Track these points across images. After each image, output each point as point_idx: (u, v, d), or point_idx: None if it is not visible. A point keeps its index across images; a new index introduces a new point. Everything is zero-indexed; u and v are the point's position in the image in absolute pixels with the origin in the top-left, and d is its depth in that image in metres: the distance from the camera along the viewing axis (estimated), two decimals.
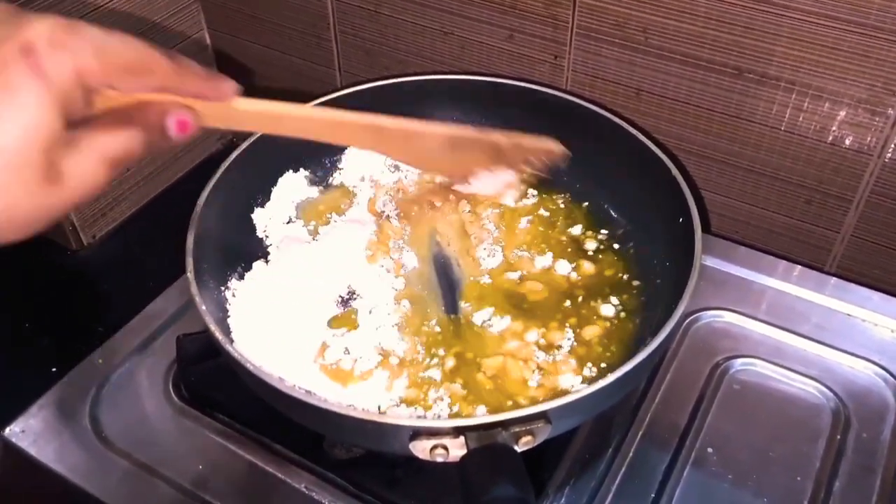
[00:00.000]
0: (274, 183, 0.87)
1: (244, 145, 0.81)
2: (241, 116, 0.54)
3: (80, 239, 1.07)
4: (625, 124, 0.82)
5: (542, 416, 0.59)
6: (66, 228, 1.05)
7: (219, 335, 0.65)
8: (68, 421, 0.75)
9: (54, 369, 0.86)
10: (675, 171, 0.76)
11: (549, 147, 0.72)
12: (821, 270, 0.90)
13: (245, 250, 0.82)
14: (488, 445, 0.56)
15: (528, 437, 0.59)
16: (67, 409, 0.76)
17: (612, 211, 0.86)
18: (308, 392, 0.62)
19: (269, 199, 0.86)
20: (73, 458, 0.73)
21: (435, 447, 0.59)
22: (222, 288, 0.77)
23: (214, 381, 0.75)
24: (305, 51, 1.09)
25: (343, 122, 0.64)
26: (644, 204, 0.81)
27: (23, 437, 0.74)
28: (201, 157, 1.21)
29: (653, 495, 0.70)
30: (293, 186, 0.87)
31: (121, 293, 1.02)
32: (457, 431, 0.58)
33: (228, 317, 0.74)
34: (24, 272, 1.05)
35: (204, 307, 0.67)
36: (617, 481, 0.71)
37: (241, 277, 0.79)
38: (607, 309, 0.77)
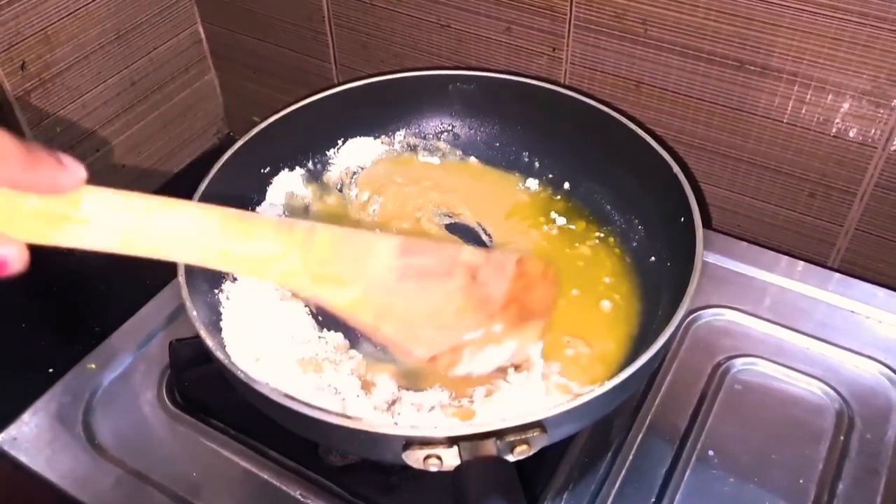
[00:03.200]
0: (269, 182, 0.85)
1: (239, 144, 0.80)
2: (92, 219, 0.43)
3: None
4: (625, 120, 0.80)
5: (538, 425, 0.58)
6: None
7: (210, 342, 0.64)
8: (61, 428, 0.75)
9: (51, 370, 0.86)
10: (676, 169, 0.74)
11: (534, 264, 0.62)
12: (824, 265, 0.89)
13: None
14: (481, 458, 0.55)
15: (524, 447, 0.58)
16: (60, 415, 0.76)
17: (610, 208, 0.84)
18: (300, 402, 0.61)
19: (264, 199, 0.85)
20: (66, 465, 0.72)
21: (428, 457, 0.58)
22: (216, 291, 0.75)
23: (208, 386, 0.74)
24: (300, 44, 1.07)
25: (247, 219, 0.51)
26: (644, 202, 0.80)
27: (15, 445, 0.73)
28: (198, 152, 1.21)
29: (653, 500, 0.69)
30: (289, 185, 0.86)
31: (118, 292, 1.01)
32: (450, 441, 0.57)
33: (221, 320, 0.73)
34: (20, 273, 1.04)
35: (195, 313, 0.66)
36: (617, 485, 0.70)
37: (235, 280, 0.78)
38: (606, 305, 0.77)
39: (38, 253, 1.02)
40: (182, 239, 0.46)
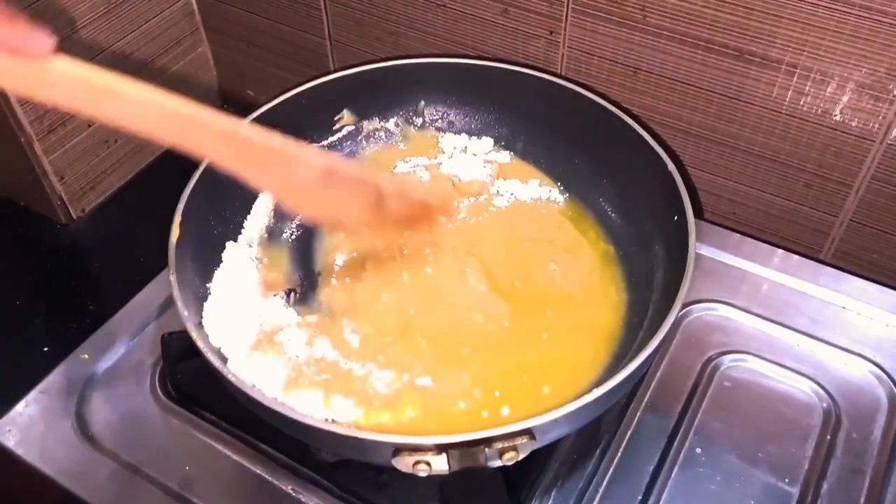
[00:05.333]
0: None
1: None
2: (54, 82, 0.45)
3: (69, 213, 1.05)
4: (623, 115, 0.79)
5: (527, 432, 0.58)
6: (55, 203, 1.04)
7: (201, 343, 0.64)
8: (54, 419, 0.75)
9: (46, 349, 0.86)
10: (672, 167, 0.73)
11: (439, 204, 0.68)
12: (818, 255, 0.89)
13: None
14: (469, 468, 0.56)
15: (512, 453, 0.58)
16: (54, 407, 0.76)
17: (602, 201, 0.84)
18: (289, 407, 0.61)
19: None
20: (60, 457, 0.73)
21: (417, 462, 0.58)
22: (207, 285, 0.75)
23: (201, 379, 0.73)
24: (294, 19, 1.06)
25: (194, 119, 0.52)
26: (638, 196, 0.79)
27: (9, 436, 0.74)
28: None
29: (640, 497, 0.70)
30: None
31: (112, 268, 1.00)
32: (439, 448, 0.58)
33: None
34: (13, 248, 1.04)
35: (186, 313, 0.66)
36: (605, 483, 0.71)
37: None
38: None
39: (29, 229, 1.01)
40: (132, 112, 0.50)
